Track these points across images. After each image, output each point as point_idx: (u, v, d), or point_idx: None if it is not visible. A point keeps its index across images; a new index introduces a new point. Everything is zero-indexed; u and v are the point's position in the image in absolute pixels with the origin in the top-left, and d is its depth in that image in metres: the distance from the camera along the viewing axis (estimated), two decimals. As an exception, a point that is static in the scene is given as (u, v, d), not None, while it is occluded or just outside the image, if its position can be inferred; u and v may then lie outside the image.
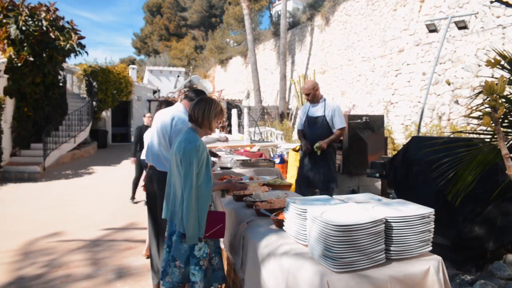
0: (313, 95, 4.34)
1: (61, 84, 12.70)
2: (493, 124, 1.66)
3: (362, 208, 1.80)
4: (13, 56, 10.23)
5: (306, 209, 1.83)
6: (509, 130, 2.78)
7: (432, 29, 7.45)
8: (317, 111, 4.37)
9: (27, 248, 4.49)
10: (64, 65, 12.98)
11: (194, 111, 2.35)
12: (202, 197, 2.22)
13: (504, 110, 2.41)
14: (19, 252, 4.35)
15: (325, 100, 4.42)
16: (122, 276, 3.67)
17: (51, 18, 11.00)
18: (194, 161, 2.18)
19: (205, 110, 2.34)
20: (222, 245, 2.86)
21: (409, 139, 4.80)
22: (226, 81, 23.80)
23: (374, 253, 1.60)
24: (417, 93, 9.11)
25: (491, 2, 3.09)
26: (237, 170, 4.23)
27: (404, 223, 1.68)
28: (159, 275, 3.02)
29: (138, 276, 3.66)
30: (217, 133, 9.62)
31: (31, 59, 10.51)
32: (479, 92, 2.59)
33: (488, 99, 1.67)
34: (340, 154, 5.87)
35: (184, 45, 33.60)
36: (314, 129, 4.34)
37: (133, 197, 6.83)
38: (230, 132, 13.44)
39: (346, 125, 4.38)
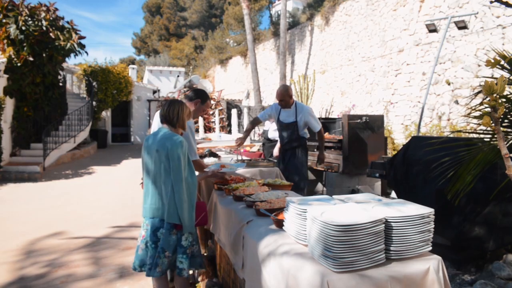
0: (286, 101, 4.48)
1: (61, 84, 12.69)
2: (493, 124, 1.66)
3: (362, 208, 1.80)
4: (13, 56, 10.23)
5: (306, 209, 1.84)
6: (509, 130, 2.79)
7: (432, 29, 7.45)
8: (289, 116, 4.55)
9: (28, 248, 4.49)
10: (64, 65, 12.97)
11: (169, 112, 2.58)
12: (190, 188, 2.47)
13: (504, 110, 2.41)
14: (20, 252, 4.35)
15: (296, 104, 4.58)
16: (122, 275, 3.67)
17: (51, 18, 11.00)
18: (181, 156, 2.41)
19: (179, 111, 2.59)
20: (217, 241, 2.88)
21: (409, 139, 4.81)
22: (226, 81, 23.80)
23: (374, 253, 1.60)
24: (417, 93, 9.12)
25: (491, 2, 3.09)
26: (237, 170, 4.23)
27: (404, 223, 1.68)
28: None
29: (138, 275, 3.67)
30: (217, 134, 9.62)
31: (31, 59, 10.51)
32: (479, 92, 2.60)
33: (488, 99, 1.67)
34: (340, 154, 5.88)
35: (184, 45, 33.60)
36: (287, 133, 4.60)
37: None
38: (230, 132, 13.45)
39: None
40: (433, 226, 1.75)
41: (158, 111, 3.44)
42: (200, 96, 3.24)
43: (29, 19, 10.46)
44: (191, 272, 2.66)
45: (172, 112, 2.58)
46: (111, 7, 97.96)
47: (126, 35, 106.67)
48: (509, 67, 2.86)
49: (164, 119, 2.61)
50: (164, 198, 2.45)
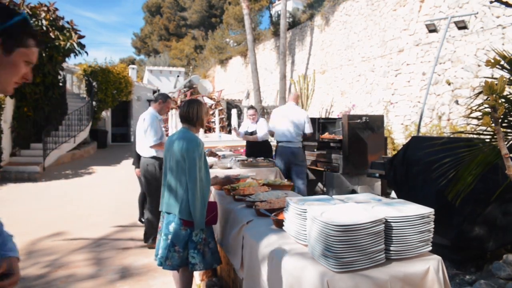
0: None
1: (61, 84, 12.69)
2: (493, 124, 1.66)
3: (362, 208, 1.80)
4: (13, 56, 10.21)
5: (306, 209, 1.84)
6: (509, 130, 2.79)
7: (432, 29, 7.44)
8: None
9: (28, 248, 4.49)
10: (64, 65, 12.96)
11: (189, 112, 2.70)
12: (204, 187, 2.57)
13: (504, 110, 2.41)
14: (21, 252, 4.32)
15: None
16: (122, 276, 3.67)
17: (51, 18, 11.00)
18: (197, 156, 2.52)
19: (197, 110, 2.72)
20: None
21: (409, 139, 4.81)
22: (226, 81, 23.79)
23: (374, 253, 1.60)
24: (417, 93, 9.11)
25: (491, 2, 3.09)
26: (237, 170, 4.24)
27: (404, 223, 1.69)
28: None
29: (138, 276, 3.67)
30: (217, 134, 9.60)
31: (31, 59, 10.50)
32: (479, 93, 2.59)
33: (488, 99, 1.67)
34: (340, 154, 5.87)
35: (184, 45, 33.58)
36: None
37: (142, 218, 5.43)
38: (230, 132, 13.44)
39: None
40: (433, 226, 1.75)
41: (142, 115, 3.91)
42: (161, 98, 4.38)
43: (30, 18, 10.44)
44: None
45: (191, 112, 2.70)
46: (113, 7, 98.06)
47: (128, 35, 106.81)
48: (509, 67, 2.86)
49: (183, 119, 2.73)
50: (178, 194, 2.55)
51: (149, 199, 4.36)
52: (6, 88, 1.18)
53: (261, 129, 5.81)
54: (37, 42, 1.22)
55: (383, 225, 1.65)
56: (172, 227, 2.58)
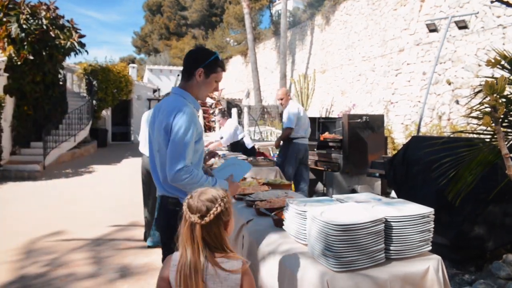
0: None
1: (61, 83, 12.68)
2: (493, 124, 1.66)
3: (362, 208, 1.80)
4: (13, 55, 10.22)
5: (306, 209, 1.84)
6: (509, 130, 2.78)
7: (433, 28, 7.44)
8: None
9: (28, 247, 4.49)
10: (64, 63, 12.96)
11: None
12: None
13: (504, 110, 2.41)
14: (20, 251, 4.35)
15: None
16: (122, 275, 3.67)
17: (51, 17, 10.99)
18: None
19: None
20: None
21: (409, 138, 4.81)
22: (226, 80, 23.78)
23: (374, 253, 1.60)
24: (417, 93, 9.11)
25: (492, 2, 3.09)
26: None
27: (404, 223, 1.68)
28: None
29: (138, 275, 3.67)
30: (217, 133, 9.60)
31: (31, 57, 10.49)
32: (479, 91, 2.59)
33: (488, 98, 1.67)
34: (340, 153, 5.87)
35: (184, 44, 33.57)
36: None
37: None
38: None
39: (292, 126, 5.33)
40: (433, 225, 1.75)
41: (146, 112, 3.68)
42: None
43: (30, 17, 10.45)
44: None
45: None
46: (114, 6, 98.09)
47: (129, 34, 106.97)
48: (509, 67, 2.86)
49: None
50: None
51: (150, 199, 4.34)
52: (204, 98, 1.98)
53: (224, 133, 6.31)
54: (222, 67, 1.92)
55: (383, 224, 1.65)
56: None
